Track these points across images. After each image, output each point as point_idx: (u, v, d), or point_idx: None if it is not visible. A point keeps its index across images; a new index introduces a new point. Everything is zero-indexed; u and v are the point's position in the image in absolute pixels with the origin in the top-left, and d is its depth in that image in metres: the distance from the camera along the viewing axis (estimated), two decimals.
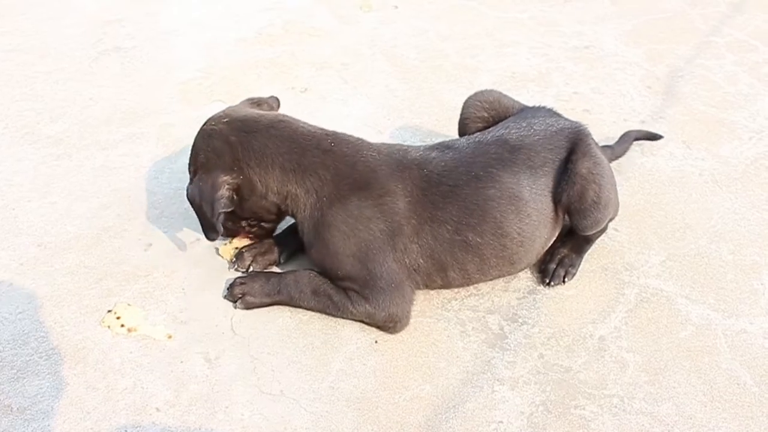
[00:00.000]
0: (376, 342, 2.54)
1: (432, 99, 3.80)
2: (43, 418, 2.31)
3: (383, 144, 2.74)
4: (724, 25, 4.52)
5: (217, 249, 2.87)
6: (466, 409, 2.34)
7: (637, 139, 3.40)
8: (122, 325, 2.59)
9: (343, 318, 2.61)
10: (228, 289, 2.67)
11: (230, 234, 2.85)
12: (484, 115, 2.97)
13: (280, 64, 4.16)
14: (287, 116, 2.74)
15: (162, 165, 3.32)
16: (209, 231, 2.64)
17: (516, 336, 2.57)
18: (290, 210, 2.64)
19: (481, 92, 3.07)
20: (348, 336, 2.57)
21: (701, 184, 3.23)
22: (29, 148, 3.46)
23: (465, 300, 2.70)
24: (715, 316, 2.64)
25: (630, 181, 3.22)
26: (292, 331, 2.58)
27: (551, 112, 2.96)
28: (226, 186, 2.57)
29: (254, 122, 2.63)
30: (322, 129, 2.71)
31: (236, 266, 2.78)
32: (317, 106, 3.79)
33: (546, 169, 2.66)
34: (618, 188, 3.03)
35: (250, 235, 2.86)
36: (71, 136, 3.54)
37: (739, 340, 2.56)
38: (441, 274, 2.61)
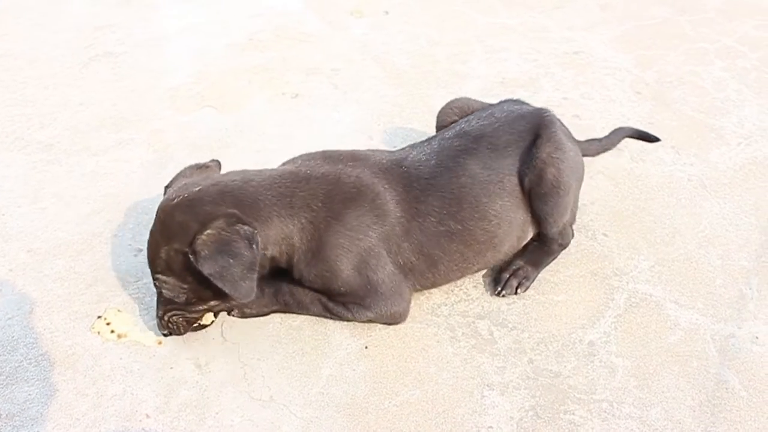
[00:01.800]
0: (366, 348, 2.55)
1: (422, 104, 3.81)
2: (32, 425, 2.30)
3: (354, 151, 2.75)
4: (713, 32, 4.55)
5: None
6: (456, 415, 2.34)
7: (629, 136, 3.45)
8: (112, 331, 2.59)
9: (342, 321, 2.63)
10: None
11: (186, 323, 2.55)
12: (455, 119, 3.00)
13: (271, 69, 4.16)
14: (248, 169, 2.61)
15: (152, 171, 3.32)
16: (248, 289, 2.34)
17: (506, 341, 2.58)
18: (284, 255, 2.51)
19: (452, 101, 3.14)
20: (338, 342, 2.57)
21: (690, 189, 3.24)
22: (19, 154, 3.45)
23: (455, 305, 2.70)
24: (704, 320, 2.65)
25: (619, 186, 3.23)
26: (282, 337, 2.58)
27: (517, 102, 3.04)
28: (248, 227, 2.36)
29: (232, 181, 2.48)
30: (284, 166, 2.68)
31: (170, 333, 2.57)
32: (308, 112, 3.80)
33: (510, 150, 2.72)
34: (607, 193, 3.05)
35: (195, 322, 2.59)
36: (61, 142, 3.54)
37: (728, 345, 2.56)
38: (432, 270, 2.63)
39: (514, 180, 2.70)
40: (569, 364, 2.50)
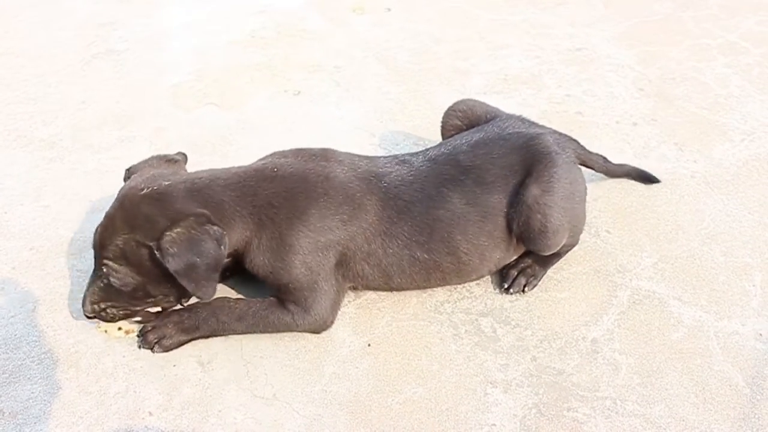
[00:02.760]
0: (368, 345, 2.54)
1: (424, 102, 3.81)
2: (35, 423, 2.30)
3: (328, 150, 2.70)
4: (716, 28, 4.53)
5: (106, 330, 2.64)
6: (459, 412, 2.34)
7: (628, 175, 3.25)
8: (119, 328, 2.59)
9: (271, 332, 2.57)
10: (141, 336, 2.54)
11: (125, 315, 2.55)
12: (458, 123, 2.98)
13: (273, 67, 4.16)
14: (216, 168, 2.60)
15: None
16: (210, 289, 2.39)
17: (509, 339, 2.57)
18: (239, 251, 2.50)
19: (458, 102, 3.07)
20: (341, 339, 2.57)
21: (693, 186, 3.24)
22: (21, 152, 3.45)
23: (458, 303, 2.70)
24: (707, 317, 2.64)
25: (622, 183, 3.22)
26: (284, 335, 2.58)
27: (519, 123, 2.90)
28: (218, 227, 2.38)
29: (199, 179, 2.49)
30: (254, 163, 2.65)
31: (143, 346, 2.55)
32: (309, 109, 3.79)
33: (497, 186, 2.63)
34: (610, 190, 3.04)
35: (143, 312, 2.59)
36: (63, 140, 3.54)
37: (731, 342, 2.56)
38: (386, 280, 2.62)
39: (497, 220, 2.62)
40: (572, 361, 2.50)
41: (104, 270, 2.41)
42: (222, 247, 2.35)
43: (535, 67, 4.16)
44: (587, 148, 3.04)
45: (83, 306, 2.46)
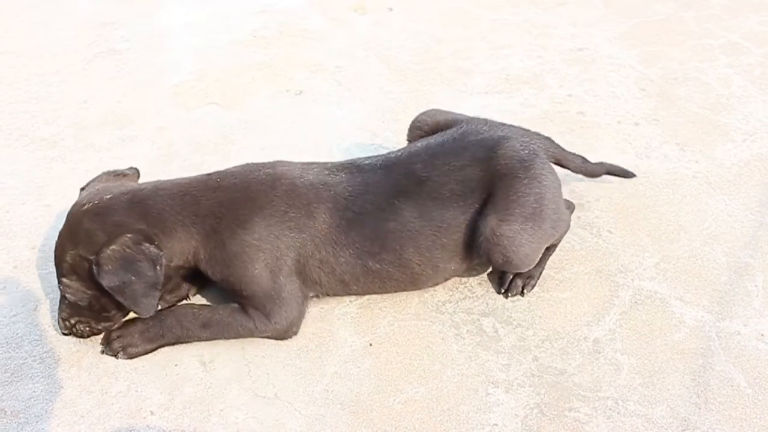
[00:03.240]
0: (370, 345, 2.54)
1: (426, 101, 3.80)
2: (36, 422, 2.31)
3: (279, 161, 2.66)
4: (718, 28, 4.53)
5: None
6: (460, 412, 2.34)
7: (609, 173, 3.12)
8: None
9: (235, 338, 2.56)
10: (106, 344, 2.53)
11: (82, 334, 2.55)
12: (422, 135, 2.88)
13: (274, 66, 4.16)
14: (163, 180, 2.61)
15: (156, 167, 3.32)
16: (149, 306, 2.40)
17: (510, 338, 2.57)
18: (190, 262, 2.49)
19: (422, 113, 2.96)
20: (342, 339, 2.56)
21: (695, 186, 3.24)
22: (23, 151, 3.45)
23: (459, 302, 2.70)
24: (709, 318, 2.64)
25: (624, 183, 3.22)
26: None
27: (483, 127, 2.74)
28: (155, 248, 2.37)
29: (141, 190, 2.49)
30: (200, 175, 2.63)
31: (107, 352, 2.54)
32: (311, 108, 3.79)
33: (453, 202, 2.55)
34: (612, 190, 3.04)
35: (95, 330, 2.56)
36: (65, 139, 3.54)
37: (733, 342, 2.56)
38: (343, 287, 2.61)
39: (453, 236, 2.55)
40: (574, 361, 2.50)
41: (61, 288, 2.45)
42: (158, 267, 2.35)
43: (537, 66, 4.15)
44: (588, 154, 3.02)
45: (58, 324, 2.51)
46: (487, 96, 3.77)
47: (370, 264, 2.54)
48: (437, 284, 2.74)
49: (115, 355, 2.50)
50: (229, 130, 3.62)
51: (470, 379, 2.43)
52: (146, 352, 2.52)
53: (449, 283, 2.76)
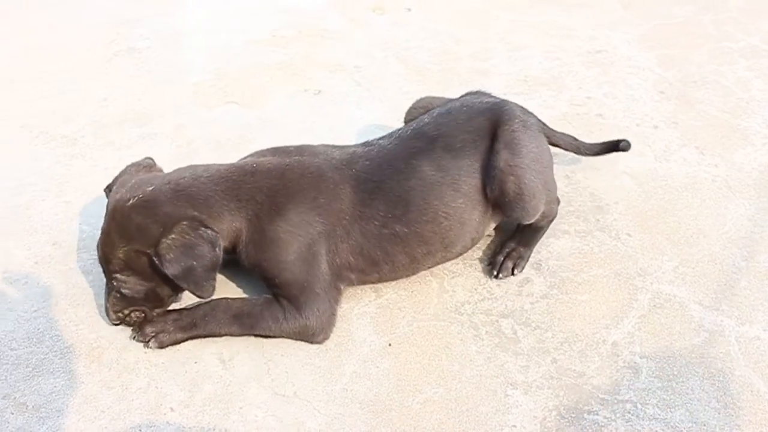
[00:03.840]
0: (389, 345, 2.55)
1: None
2: (57, 416, 2.32)
3: (305, 146, 2.75)
4: (737, 31, 4.52)
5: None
6: (479, 413, 2.34)
7: (603, 152, 3.19)
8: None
9: (268, 336, 2.56)
10: (138, 329, 2.55)
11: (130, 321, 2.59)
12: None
13: (293, 66, 4.17)
14: (195, 164, 2.66)
15: (176, 165, 3.29)
16: (210, 288, 2.45)
17: (529, 340, 2.57)
18: (231, 245, 2.53)
19: (419, 99, 3.15)
20: (361, 339, 2.57)
21: (714, 190, 3.23)
22: (44, 148, 3.48)
23: (478, 304, 2.70)
24: (729, 322, 2.63)
25: (643, 186, 3.22)
26: None
27: (478, 94, 3.05)
28: (211, 230, 2.43)
29: (182, 178, 2.52)
30: (232, 162, 2.68)
31: (137, 338, 2.56)
32: (330, 108, 3.80)
33: (466, 150, 2.69)
34: (631, 194, 3.04)
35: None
36: (85, 136, 3.56)
37: (753, 348, 2.55)
38: (374, 269, 2.64)
39: (471, 181, 2.67)
40: (593, 364, 2.49)
41: (114, 283, 2.47)
42: (216, 248, 2.41)
43: (556, 68, 4.15)
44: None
45: (108, 316, 2.53)
46: (505, 97, 3.73)
47: (398, 229, 2.58)
48: (465, 248, 2.79)
49: (146, 342, 2.52)
50: (248, 129, 3.63)
51: (489, 381, 2.44)
52: (176, 342, 2.54)
53: (468, 284, 2.76)
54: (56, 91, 3.91)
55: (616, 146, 3.15)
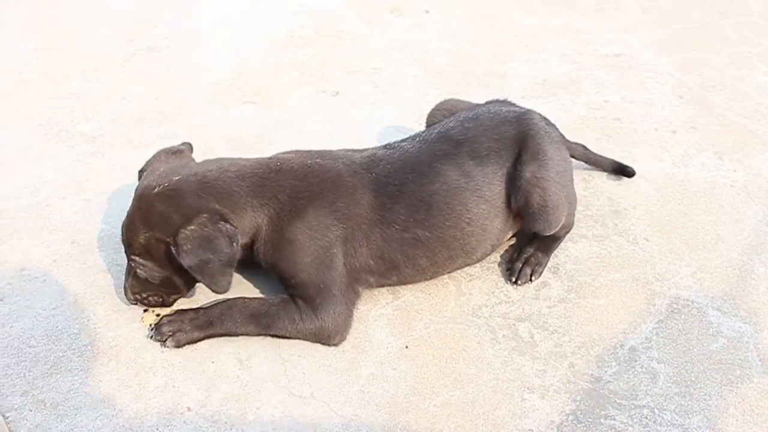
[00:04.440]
0: (406, 347, 2.55)
1: None
2: (75, 414, 2.33)
3: (325, 151, 2.75)
4: (756, 35, 4.50)
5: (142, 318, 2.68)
6: (496, 417, 2.34)
7: (610, 167, 3.29)
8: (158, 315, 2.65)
9: (284, 336, 2.56)
10: (155, 328, 2.56)
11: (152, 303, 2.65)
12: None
13: (311, 67, 4.18)
14: (223, 158, 2.68)
15: None
16: (225, 283, 2.47)
17: (546, 344, 2.57)
18: (249, 242, 2.55)
19: (442, 102, 3.18)
20: (378, 341, 2.57)
21: (733, 195, 3.21)
22: (63, 146, 3.49)
23: (495, 307, 2.70)
24: (747, 329, 2.62)
25: (661, 191, 3.21)
26: None
27: (504, 102, 3.06)
28: (230, 225, 2.44)
29: (209, 171, 2.54)
30: (258, 158, 2.70)
31: (155, 337, 2.57)
32: (348, 110, 3.81)
33: (491, 158, 2.69)
34: (649, 198, 3.03)
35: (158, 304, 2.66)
36: (105, 135, 3.58)
37: None
38: (394, 272, 2.64)
39: (494, 189, 2.68)
40: (610, 368, 2.49)
41: (132, 264, 2.52)
42: (234, 244, 2.43)
43: (574, 72, 4.14)
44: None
45: (125, 295, 2.59)
46: (523, 101, 3.73)
47: (420, 233, 2.58)
48: (486, 254, 2.80)
49: (163, 341, 2.53)
50: (266, 129, 3.64)
51: (506, 384, 2.43)
52: (193, 341, 2.55)
53: (485, 287, 2.76)
54: (75, 90, 3.93)
55: (623, 170, 3.25)
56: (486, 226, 2.67)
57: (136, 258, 2.49)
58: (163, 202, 2.43)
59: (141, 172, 2.70)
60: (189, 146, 2.83)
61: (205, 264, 2.39)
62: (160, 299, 2.61)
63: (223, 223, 2.41)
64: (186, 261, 2.37)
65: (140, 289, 2.58)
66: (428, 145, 2.71)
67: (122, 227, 2.53)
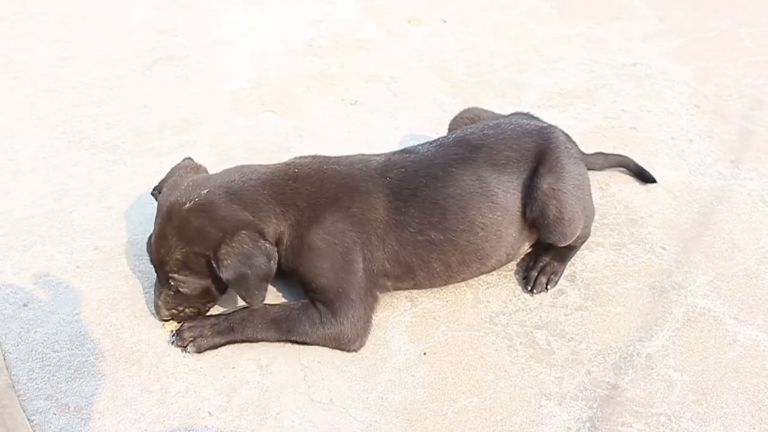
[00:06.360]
0: (424, 354, 2.57)
1: None
2: (98, 418, 2.37)
3: (341, 156, 2.79)
4: None
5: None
6: (513, 423, 2.36)
7: (628, 168, 3.38)
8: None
9: (304, 342, 2.59)
10: (176, 334, 2.61)
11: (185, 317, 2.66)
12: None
13: (330, 76, 4.21)
14: (241, 166, 2.74)
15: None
16: (260, 297, 2.51)
17: (563, 352, 2.59)
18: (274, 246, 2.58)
19: (465, 110, 3.20)
20: (397, 347, 2.60)
21: (750, 204, 3.22)
22: (85, 154, 3.54)
23: (513, 315, 2.72)
24: (764, 337, 2.63)
25: (678, 199, 3.22)
26: None
27: (527, 116, 3.07)
28: (269, 243, 2.51)
29: (232, 181, 2.59)
30: (275, 164, 2.74)
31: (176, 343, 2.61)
32: (366, 118, 3.84)
33: (509, 167, 2.71)
34: (666, 207, 3.04)
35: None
36: (126, 143, 3.62)
37: None
38: (410, 275, 2.67)
39: (510, 197, 2.69)
40: (627, 376, 2.50)
41: (171, 283, 2.54)
42: (271, 261, 2.48)
43: (590, 81, 4.16)
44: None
45: (158, 313, 2.62)
46: (540, 110, 3.77)
47: (434, 236, 2.60)
48: (500, 263, 2.81)
49: (185, 347, 2.57)
50: (285, 137, 3.68)
51: (523, 391, 2.45)
52: (215, 346, 2.58)
53: (503, 294, 2.78)
54: (97, 99, 3.98)
55: (643, 174, 3.33)
56: (500, 233, 2.69)
57: (175, 275, 2.52)
58: (197, 217, 2.47)
59: (156, 190, 2.75)
60: (193, 161, 2.87)
61: (243, 278, 2.44)
62: (196, 310, 2.64)
63: (262, 241, 2.47)
64: (225, 274, 2.42)
65: (175, 305, 2.60)
66: (444, 149, 2.74)
67: (152, 246, 2.56)
